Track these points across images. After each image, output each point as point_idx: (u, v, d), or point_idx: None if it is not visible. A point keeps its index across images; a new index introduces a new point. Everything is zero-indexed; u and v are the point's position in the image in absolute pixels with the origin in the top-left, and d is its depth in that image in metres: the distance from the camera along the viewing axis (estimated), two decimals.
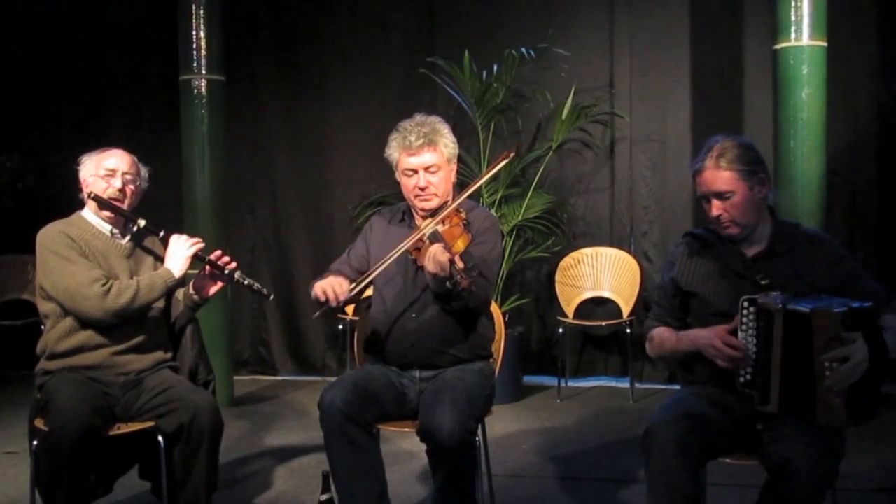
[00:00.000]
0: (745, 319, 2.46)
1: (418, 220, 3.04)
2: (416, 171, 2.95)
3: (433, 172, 2.95)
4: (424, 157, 2.94)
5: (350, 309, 4.31)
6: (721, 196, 2.55)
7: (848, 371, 2.28)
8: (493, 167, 3.02)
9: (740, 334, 2.48)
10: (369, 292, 3.11)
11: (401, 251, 2.86)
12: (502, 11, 5.87)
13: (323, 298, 2.82)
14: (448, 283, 2.67)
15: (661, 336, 2.73)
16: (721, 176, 2.54)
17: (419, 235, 2.83)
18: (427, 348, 2.95)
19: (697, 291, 2.66)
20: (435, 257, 2.66)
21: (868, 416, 2.38)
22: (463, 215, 2.90)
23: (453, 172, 3.05)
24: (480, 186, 5.31)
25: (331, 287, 2.82)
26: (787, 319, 2.37)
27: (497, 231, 3.10)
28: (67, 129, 6.34)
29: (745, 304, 2.46)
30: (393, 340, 2.99)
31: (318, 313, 2.91)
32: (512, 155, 3.04)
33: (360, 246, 3.15)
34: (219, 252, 3.14)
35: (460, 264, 2.63)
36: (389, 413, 2.94)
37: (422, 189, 2.96)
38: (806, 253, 2.59)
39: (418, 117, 3.02)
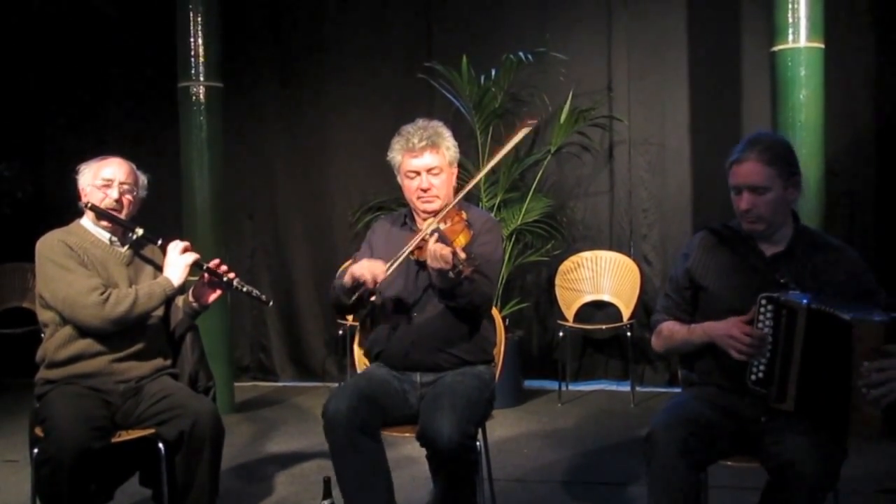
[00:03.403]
0: (761, 317, 2.45)
1: (419, 223, 3.05)
2: (418, 173, 2.97)
3: (435, 175, 2.97)
4: (427, 159, 2.96)
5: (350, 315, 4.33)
6: (756, 190, 2.54)
7: (889, 384, 2.23)
8: (514, 136, 3.01)
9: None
10: (372, 299, 3.11)
11: (404, 256, 2.87)
12: (500, 16, 5.88)
13: (362, 280, 2.79)
14: (451, 274, 2.67)
15: (671, 329, 2.72)
16: (762, 171, 2.52)
17: (422, 235, 2.85)
18: (427, 348, 2.95)
19: (710, 286, 2.65)
20: (437, 251, 2.67)
21: None
22: (464, 215, 2.93)
23: (454, 177, 3.07)
24: (479, 190, 5.37)
25: (368, 270, 2.80)
26: (812, 319, 2.35)
27: (498, 233, 3.12)
28: (66, 136, 6.34)
29: (764, 301, 2.44)
30: (394, 340, 2.99)
31: (354, 297, 2.86)
32: (535, 122, 3.04)
33: (364, 251, 3.16)
34: (217, 261, 3.14)
35: (462, 255, 2.64)
36: (394, 417, 2.94)
37: (424, 191, 2.97)
38: (826, 260, 2.58)
39: (420, 121, 3.04)
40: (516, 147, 5.69)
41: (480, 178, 2.99)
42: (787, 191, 2.56)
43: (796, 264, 2.58)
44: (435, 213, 2.97)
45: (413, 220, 3.11)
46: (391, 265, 2.86)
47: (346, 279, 2.86)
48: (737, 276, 2.63)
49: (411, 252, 2.89)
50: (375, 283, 2.81)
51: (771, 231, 2.61)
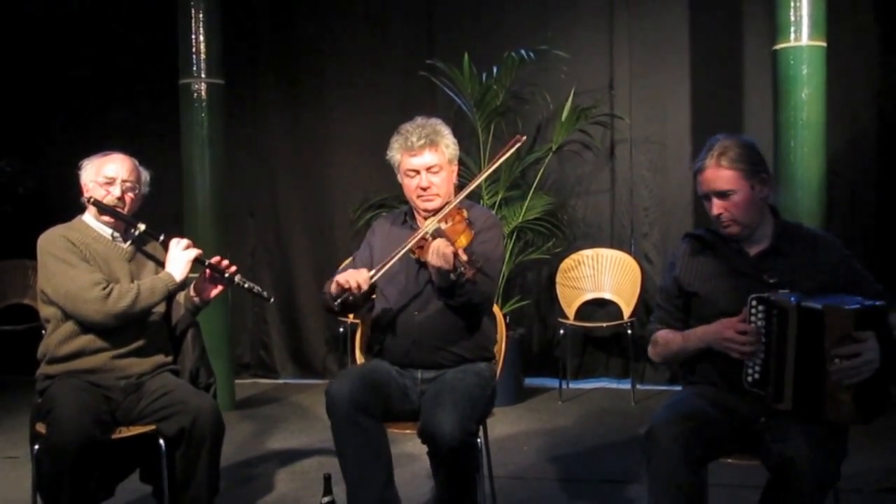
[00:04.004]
0: (752, 318, 2.45)
1: (420, 222, 3.06)
2: (418, 172, 2.97)
3: (435, 173, 2.97)
4: (426, 158, 2.96)
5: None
6: (722, 195, 2.55)
7: (857, 368, 2.27)
8: (504, 153, 3.01)
9: None
10: (373, 295, 3.12)
11: (405, 249, 2.87)
12: (502, 13, 5.88)
13: (347, 286, 2.81)
14: (452, 276, 2.68)
15: (666, 338, 2.73)
16: (722, 175, 2.54)
17: (422, 233, 2.85)
18: (428, 345, 2.96)
19: (700, 291, 2.66)
20: (439, 250, 2.69)
21: (876, 413, 2.37)
22: (465, 214, 2.92)
23: (454, 174, 3.06)
24: (481, 188, 5.37)
25: (353, 277, 2.83)
26: (802, 317, 2.36)
27: (499, 230, 3.12)
28: (68, 133, 6.35)
29: (754, 302, 2.45)
30: (395, 337, 3.00)
31: (338, 301, 2.86)
32: (523, 139, 3.06)
33: (364, 251, 3.17)
34: (218, 258, 3.14)
35: (464, 256, 2.64)
36: (394, 407, 2.95)
37: (424, 189, 2.97)
38: (809, 252, 2.59)
39: (419, 119, 3.04)
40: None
41: (479, 181, 2.98)
42: (754, 190, 2.56)
43: (782, 260, 2.59)
44: (435, 212, 2.97)
45: (413, 218, 3.11)
46: (376, 271, 2.87)
47: (333, 287, 2.88)
48: (725, 280, 2.63)
49: (412, 251, 2.89)
50: (360, 289, 2.82)
51: (748, 232, 2.61)
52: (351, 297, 2.85)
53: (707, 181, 2.57)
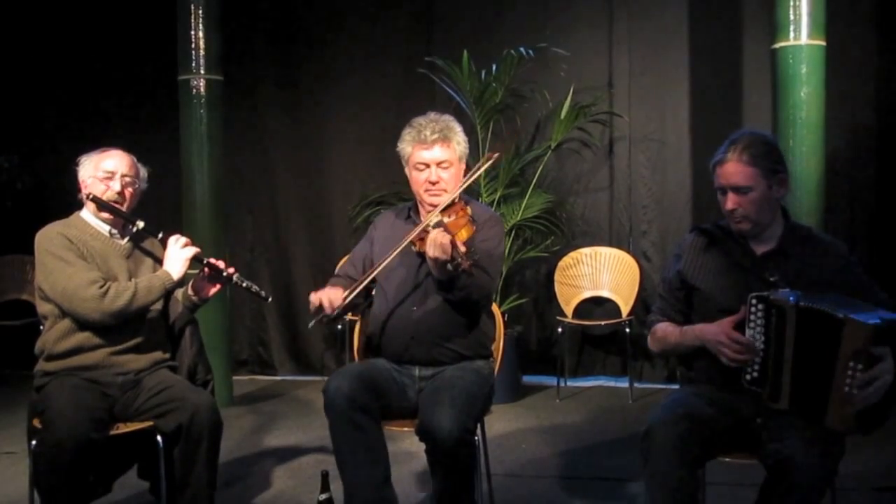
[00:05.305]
0: (752, 316, 2.45)
1: (423, 216, 3.04)
2: (427, 166, 2.97)
3: (445, 168, 2.97)
4: (437, 153, 2.96)
5: None
6: (739, 190, 2.54)
7: (873, 389, 2.26)
8: (478, 169, 3.04)
9: (747, 331, 2.47)
10: (373, 291, 3.12)
11: (404, 244, 2.87)
12: (501, 11, 5.87)
13: (318, 305, 2.84)
14: (450, 266, 2.67)
15: (665, 330, 2.73)
16: (743, 171, 2.52)
17: (423, 226, 2.85)
18: (427, 341, 2.96)
19: (703, 286, 2.66)
20: (436, 240, 2.68)
21: (876, 426, 2.37)
22: (468, 209, 2.93)
23: (462, 172, 3.06)
24: (479, 185, 5.37)
25: (326, 296, 2.85)
26: (802, 317, 2.36)
27: (501, 229, 3.12)
28: (66, 129, 6.33)
29: (754, 300, 2.45)
30: (394, 332, 3.00)
31: (313, 322, 2.90)
32: (496, 156, 3.10)
33: (363, 246, 3.16)
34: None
35: (462, 248, 2.64)
36: (392, 406, 2.95)
37: (432, 184, 2.97)
38: (816, 256, 2.58)
39: (432, 115, 3.05)
40: (517, 143, 5.74)
41: (466, 185, 3.00)
42: (771, 189, 2.56)
43: (787, 262, 2.58)
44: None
45: (417, 213, 3.10)
46: (349, 293, 2.88)
47: (310, 302, 2.89)
48: (728, 276, 2.63)
49: (412, 243, 2.89)
50: (333, 309, 2.83)
51: (759, 230, 2.61)
52: (325, 319, 2.87)
53: (726, 175, 2.55)
